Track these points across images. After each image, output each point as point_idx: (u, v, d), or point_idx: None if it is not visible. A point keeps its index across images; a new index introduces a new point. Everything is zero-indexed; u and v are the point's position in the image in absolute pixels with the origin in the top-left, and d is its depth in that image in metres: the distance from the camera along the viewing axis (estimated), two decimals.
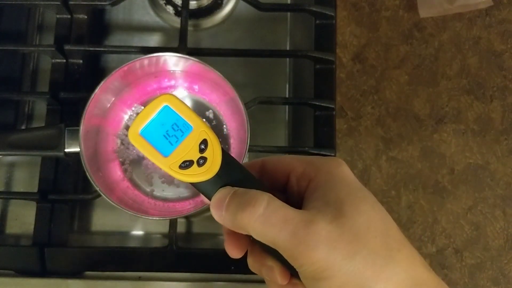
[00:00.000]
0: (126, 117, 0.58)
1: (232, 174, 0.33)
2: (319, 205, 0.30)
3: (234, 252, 0.33)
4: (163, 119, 0.32)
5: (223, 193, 0.32)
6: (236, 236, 0.33)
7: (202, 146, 0.32)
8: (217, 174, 0.32)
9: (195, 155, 0.32)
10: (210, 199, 0.33)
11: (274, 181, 0.35)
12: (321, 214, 0.29)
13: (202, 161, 0.32)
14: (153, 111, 0.32)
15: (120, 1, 0.61)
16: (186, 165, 0.32)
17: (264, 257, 0.32)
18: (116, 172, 0.57)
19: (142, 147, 0.32)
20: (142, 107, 0.54)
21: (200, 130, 0.32)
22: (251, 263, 0.34)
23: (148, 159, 0.32)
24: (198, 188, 0.33)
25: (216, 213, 0.32)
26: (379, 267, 0.28)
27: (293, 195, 0.34)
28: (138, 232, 0.61)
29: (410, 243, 0.31)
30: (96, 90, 0.52)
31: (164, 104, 0.32)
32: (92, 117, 0.53)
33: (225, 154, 0.33)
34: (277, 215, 0.30)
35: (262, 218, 0.30)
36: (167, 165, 0.32)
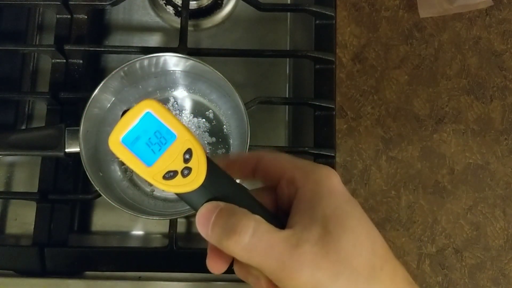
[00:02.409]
0: None
1: (218, 185, 0.32)
2: (306, 221, 0.30)
3: (215, 269, 0.33)
4: (145, 126, 0.30)
5: (208, 210, 0.31)
6: (220, 252, 0.32)
7: (187, 156, 0.31)
8: (202, 185, 0.31)
9: (179, 165, 0.31)
10: (196, 210, 0.32)
11: (267, 179, 0.35)
12: (306, 234, 0.29)
13: (186, 172, 0.31)
14: (134, 118, 0.30)
15: (120, 1, 0.61)
16: (170, 175, 0.31)
17: (250, 266, 0.32)
18: (116, 172, 0.57)
19: (123, 156, 0.30)
20: None
21: (184, 138, 0.31)
22: (237, 270, 0.33)
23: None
24: (183, 198, 0.32)
25: (201, 230, 0.31)
26: (362, 287, 0.29)
27: (283, 198, 0.34)
28: (138, 232, 0.61)
29: (394, 257, 0.31)
30: (96, 90, 0.52)
31: (146, 110, 0.30)
32: (92, 117, 0.53)
33: (211, 164, 0.32)
34: (263, 243, 0.30)
35: (247, 246, 0.30)
36: (150, 175, 0.31)
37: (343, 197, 0.32)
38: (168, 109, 0.31)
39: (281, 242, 0.29)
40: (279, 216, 0.33)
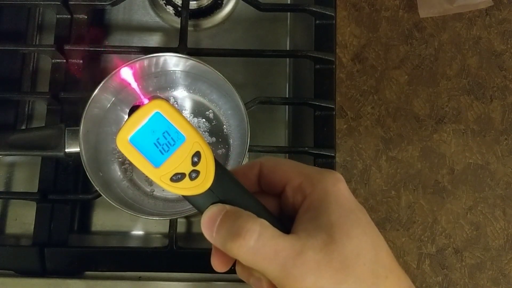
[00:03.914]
0: (126, 117, 0.58)
1: (225, 189, 0.32)
2: (311, 228, 0.30)
3: (220, 267, 0.33)
4: (153, 126, 0.30)
5: (214, 212, 0.31)
6: (224, 252, 0.32)
7: (195, 159, 0.30)
8: (209, 188, 0.31)
9: (187, 168, 0.30)
10: (201, 212, 0.32)
11: (270, 186, 0.34)
12: (311, 241, 0.29)
13: (194, 175, 0.31)
14: (143, 117, 0.30)
15: (120, 1, 0.61)
16: (177, 178, 0.30)
17: (252, 268, 0.32)
18: (116, 172, 0.57)
19: (131, 156, 0.30)
20: None
21: (193, 141, 0.30)
22: (239, 271, 0.33)
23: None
24: (189, 200, 0.32)
25: (206, 233, 0.31)
26: None
27: (287, 206, 0.34)
28: (138, 232, 0.61)
29: (399, 267, 0.31)
30: (96, 90, 0.52)
31: (155, 110, 0.30)
32: (92, 117, 0.53)
33: (219, 167, 0.32)
34: (267, 248, 0.29)
35: (252, 250, 0.30)
36: (158, 176, 0.30)
37: (349, 205, 0.31)
38: (178, 110, 0.30)
39: (285, 248, 0.29)
40: (284, 221, 0.33)
